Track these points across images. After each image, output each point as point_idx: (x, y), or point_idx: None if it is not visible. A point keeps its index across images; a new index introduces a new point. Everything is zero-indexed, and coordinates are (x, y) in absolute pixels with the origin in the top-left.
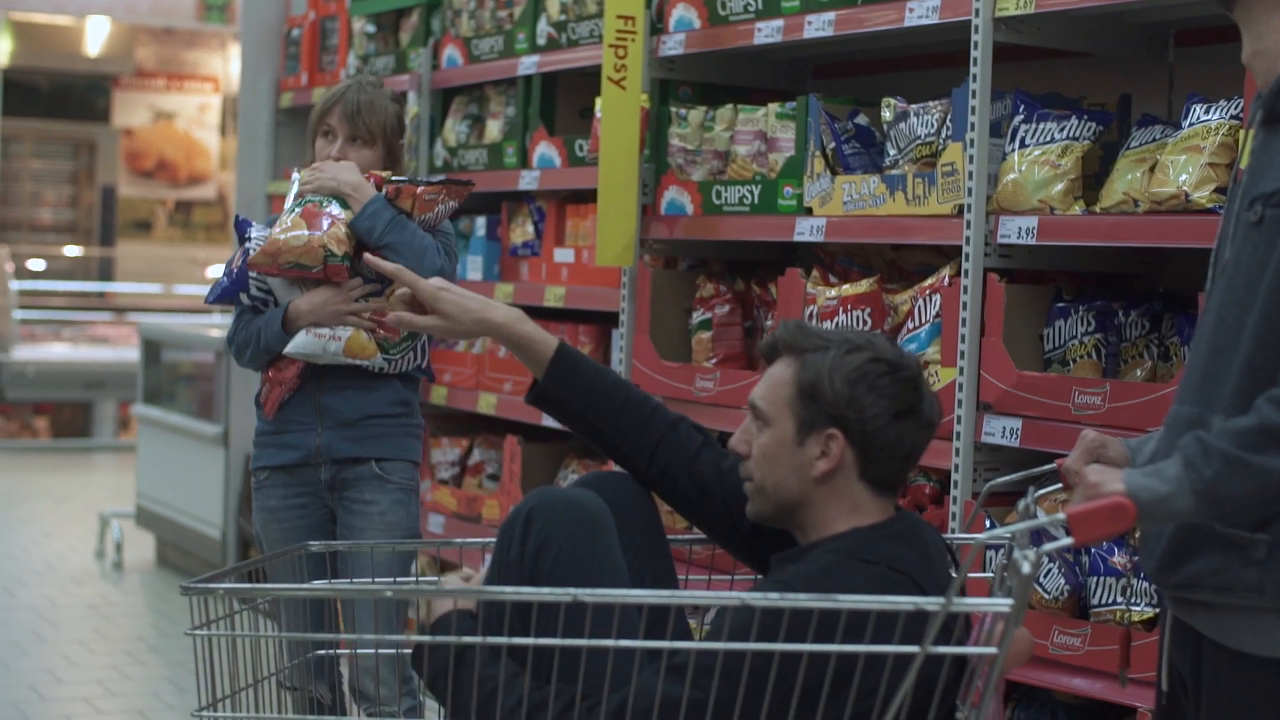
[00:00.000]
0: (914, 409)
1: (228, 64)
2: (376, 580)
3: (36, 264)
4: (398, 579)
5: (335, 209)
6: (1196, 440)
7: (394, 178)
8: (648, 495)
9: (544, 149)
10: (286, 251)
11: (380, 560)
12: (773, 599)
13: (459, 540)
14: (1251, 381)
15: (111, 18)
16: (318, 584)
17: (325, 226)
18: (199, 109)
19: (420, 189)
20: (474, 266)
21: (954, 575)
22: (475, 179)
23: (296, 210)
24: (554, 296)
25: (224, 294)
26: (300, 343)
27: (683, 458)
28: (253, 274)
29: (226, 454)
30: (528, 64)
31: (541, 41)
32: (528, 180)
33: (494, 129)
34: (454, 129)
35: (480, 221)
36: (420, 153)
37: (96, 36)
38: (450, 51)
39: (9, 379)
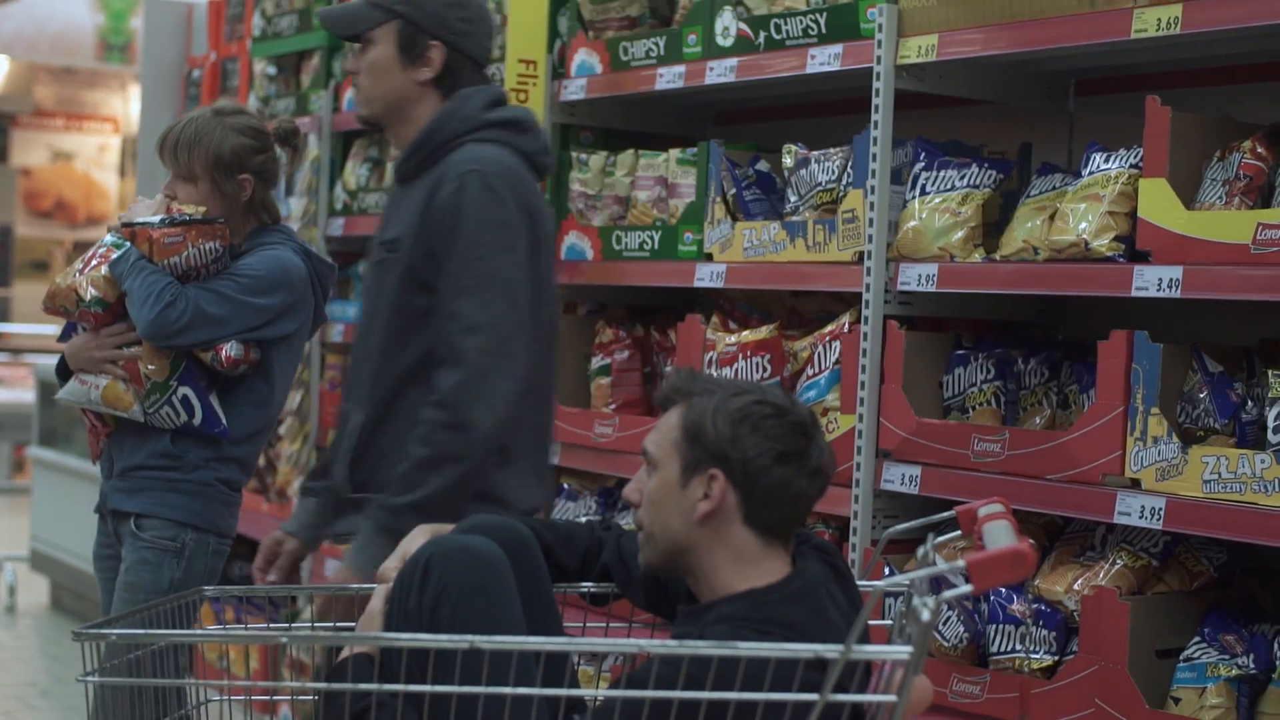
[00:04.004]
0: (800, 454)
1: (128, 104)
2: (272, 626)
3: None
4: (292, 624)
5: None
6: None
7: (137, 220)
8: (535, 542)
9: None
10: (56, 294)
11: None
12: (671, 646)
13: (355, 586)
14: (375, 385)
15: (10, 56)
16: (211, 629)
17: (81, 269)
18: (98, 149)
19: (158, 233)
20: None
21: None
22: (374, 223)
23: (98, 250)
24: None
25: (63, 333)
26: (68, 389)
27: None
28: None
29: None
30: None
31: None
32: None
33: (392, 171)
34: (354, 172)
35: None
36: (320, 195)
37: None
38: (351, 94)
39: None
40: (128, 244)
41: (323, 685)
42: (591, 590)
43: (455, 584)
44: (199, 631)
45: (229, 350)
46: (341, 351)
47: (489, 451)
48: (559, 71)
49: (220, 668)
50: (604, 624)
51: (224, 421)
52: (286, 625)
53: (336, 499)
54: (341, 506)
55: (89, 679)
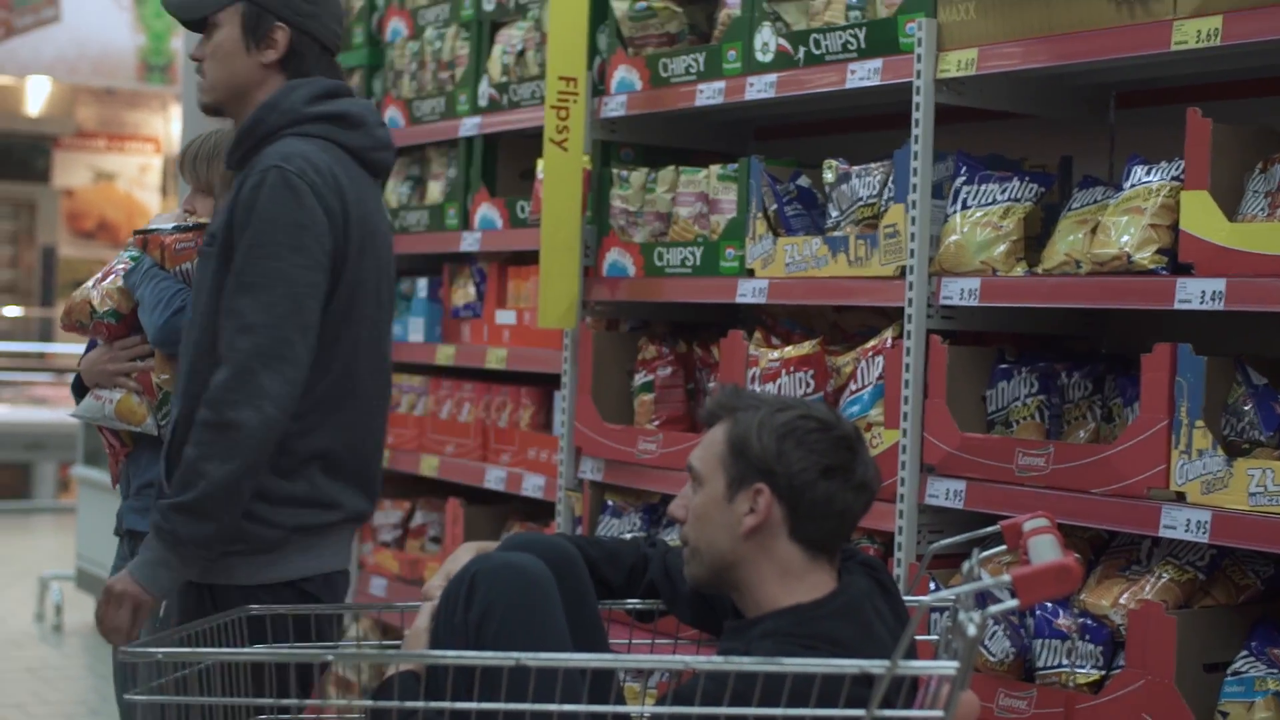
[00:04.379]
0: (845, 468)
1: (169, 124)
2: (317, 644)
3: None
4: (338, 643)
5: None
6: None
7: (152, 226)
8: (580, 559)
9: (485, 210)
10: (72, 309)
11: None
12: (717, 663)
13: (401, 604)
14: (190, 379)
15: (53, 78)
16: (258, 649)
17: (93, 282)
18: (140, 169)
19: (170, 238)
20: (415, 328)
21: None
22: (417, 241)
23: (114, 264)
24: (496, 358)
25: (87, 350)
26: (83, 406)
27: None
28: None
29: None
30: (469, 125)
31: (483, 103)
32: (469, 242)
33: (435, 190)
34: (395, 190)
35: (422, 283)
36: None
37: (37, 97)
38: (391, 112)
39: None
40: (142, 256)
41: (369, 703)
42: (637, 607)
43: (501, 601)
44: (245, 650)
45: None
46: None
47: (259, 451)
48: (599, 88)
49: None
50: (649, 640)
51: None
52: (332, 643)
53: (157, 495)
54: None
55: (136, 698)
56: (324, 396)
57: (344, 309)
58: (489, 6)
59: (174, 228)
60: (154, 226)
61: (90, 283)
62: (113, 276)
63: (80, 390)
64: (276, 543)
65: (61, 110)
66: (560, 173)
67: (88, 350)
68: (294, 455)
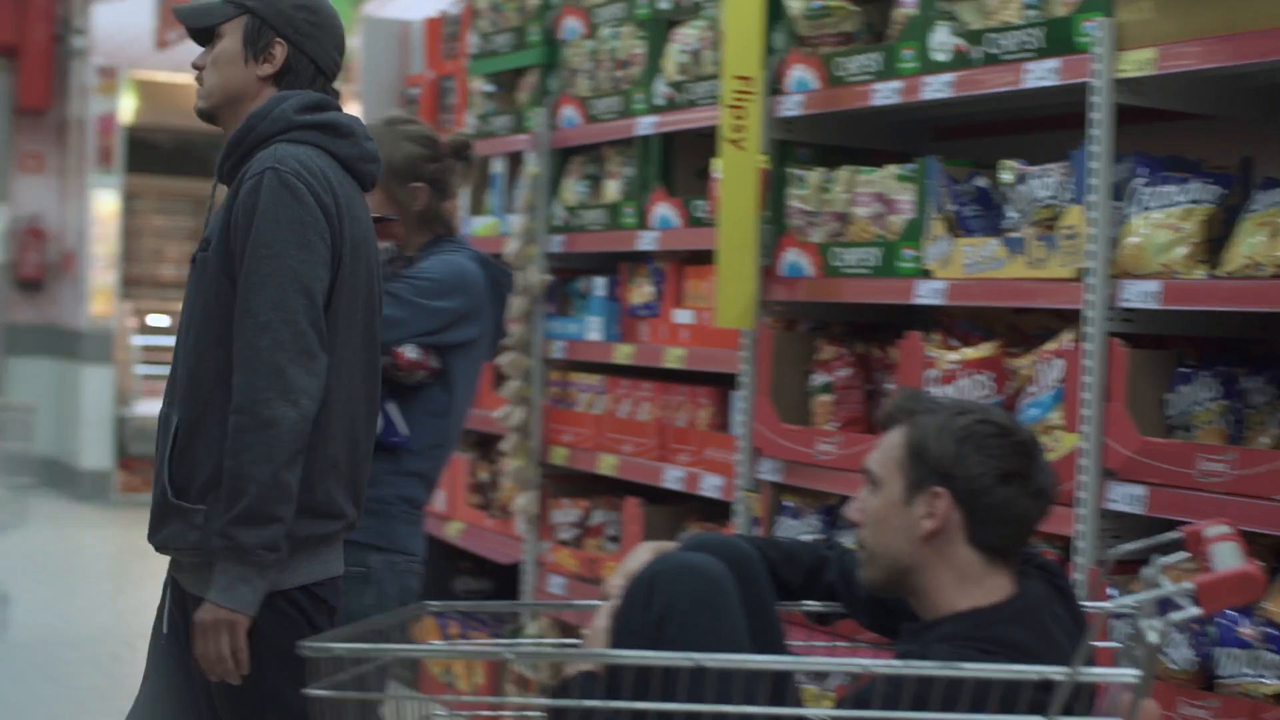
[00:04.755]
0: (1023, 474)
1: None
2: (496, 641)
3: (158, 319)
4: (516, 640)
5: None
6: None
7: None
8: (759, 560)
9: (662, 209)
10: None
11: None
12: (895, 666)
13: (579, 602)
14: (191, 385)
15: None
16: (437, 644)
17: None
18: None
19: None
20: (594, 327)
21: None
22: (594, 239)
23: None
24: (674, 358)
25: None
26: None
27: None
28: None
29: None
30: (646, 124)
31: (659, 102)
32: (646, 240)
33: (612, 189)
34: (572, 189)
35: (599, 282)
36: (539, 212)
37: None
38: (568, 111)
39: (132, 434)
40: None
41: (548, 702)
42: (815, 609)
43: (680, 601)
44: (424, 646)
45: (407, 353)
46: (564, 368)
47: (298, 446)
48: (775, 87)
49: (445, 682)
50: (827, 643)
51: (403, 431)
52: (511, 641)
53: (158, 504)
54: (165, 512)
55: (315, 692)
56: (331, 400)
57: (341, 309)
58: (664, 5)
59: None
60: None
61: None
62: None
63: None
64: (292, 547)
65: None
66: (737, 172)
67: None
68: (311, 461)
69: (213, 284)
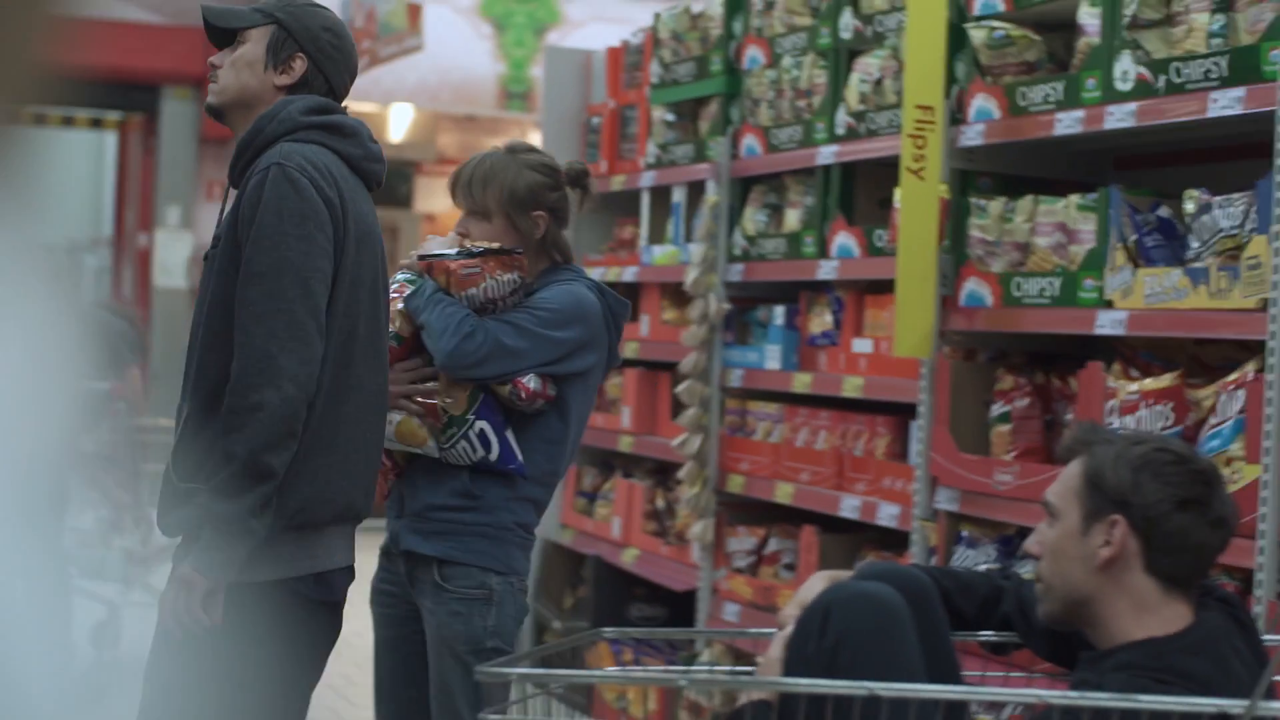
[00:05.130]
0: (1201, 502)
1: None
2: (669, 668)
3: None
4: (690, 667)
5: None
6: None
7: (435, 251)
8: (934, 589)
9: (842, 238)
10: None
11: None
12: (1071, 697)
13: (753, 630)
14: (200, 376)
15: (415, 105)
16: (610, 670)
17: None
18: None
19: (455, 264)
20: (772, 355)
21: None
22: (774, 268)
23: (390, 286)
24: (852, 387)
25: None
26: None
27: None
28: None
29: None
30: (826, 154)
31: (840, 131)
32: (826, 270)
33: (793, 218)
34: (753, 218)
35: (778, 310)
36: (719, 241)
37: (400, 124)
38: (749, 140)
39: None
40: (421, 279)
41: None
42: (991, 639)
43: (855, 630)
44: (599, 672)
45: (528, 384)
46: (742, 396)
47: (285, 429)
48: (957, 117)
49: (618, 708)
50: (1003, 673)
51: (520, 457)
52: (685, 668)
53: (166, 491)
54: (174, 496)
55: (490, 717)
56: (327, 389)
57: (343, 300)
58: (846, 35)
59: (458, 253)
60: (436, 252)
61: None
62: (397, 301)
63: None
64: (271, 539)
65: (423, 137)
66: (917, 201)
67: None
68: (309, 450)
69: (220, 278)
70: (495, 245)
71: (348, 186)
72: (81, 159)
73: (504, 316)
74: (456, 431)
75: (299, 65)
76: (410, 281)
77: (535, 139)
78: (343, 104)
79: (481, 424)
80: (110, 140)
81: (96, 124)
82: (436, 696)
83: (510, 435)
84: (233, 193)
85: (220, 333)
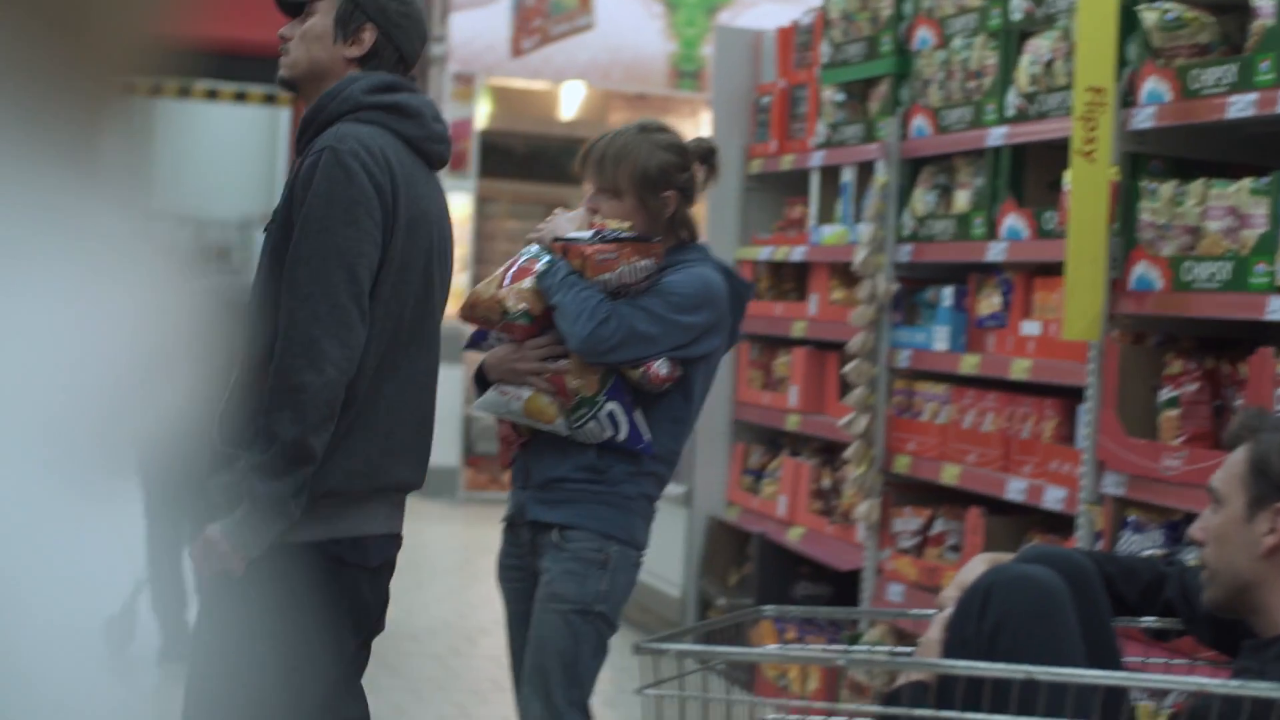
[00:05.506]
0: None
1: (699, 130)
2: (830, 647)
3: None
4: (852, 646)
5: (540, 264)
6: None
7: (571, 235)
8: (1095, 573)
9: (1012, 220)
10: (478, 304)
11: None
12: (1231, 687)
13: (913, 611)
14: (251, 348)
15: (586, 83)
16: (770, 649)
17: (509, 281)
18: None
19: (591, 249)
20: (939, 336)
21: None
22: (943, 249)
23: (518, 261)
24: (1020, 369)
25: (472, 340)
26: (486, 399)
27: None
28: None
29: (689, 514)
30: (996, 135)
31: (1010, 113)
32: (995, 251)
33: (962, 199)
34: (922, 198)
35: (947, 292)
36: (888, 221)
37: (571, 102)
38: (919, 121)
39: (478, 432)
40: (553, 258)
41: (878, 709)
42: (1153, 625)
43: (1015, 613)
44: (759, 650)
45: (659, 368)
46: (910, 377)
47: (325, 412)
48: (1128, 99)
49: (779, 686)
50: (1165, 659)
51: (647, 438)
52: (844, 647)
53: (212, 456)
54: (216, 460)
55: (646, 691)
56: (371, 369)
57: (390, 284)
58: (1017, 16)
59: (594, 236)
60: (572, 235)
61: (500, 280)
62: (527, 278)
63: (482, 383)
64: (310, 505)
65: (594, 115)
66: (1087, 184)
67: (472, 341)
68: (357, 428)
69: (273, 255)
70: (627, 228)
71: (403, 170)
72: (255, 134)
73: (637, 302)
74: (586, 412)
75: (368, 36)
76: (540, 257)
77: (705, 118)
78: (411, 72)
79: (611, 405)
80: (284, 116)
81: (270, 100)
82: (531, 651)
83: (639, 416)
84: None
85: (270, 308)
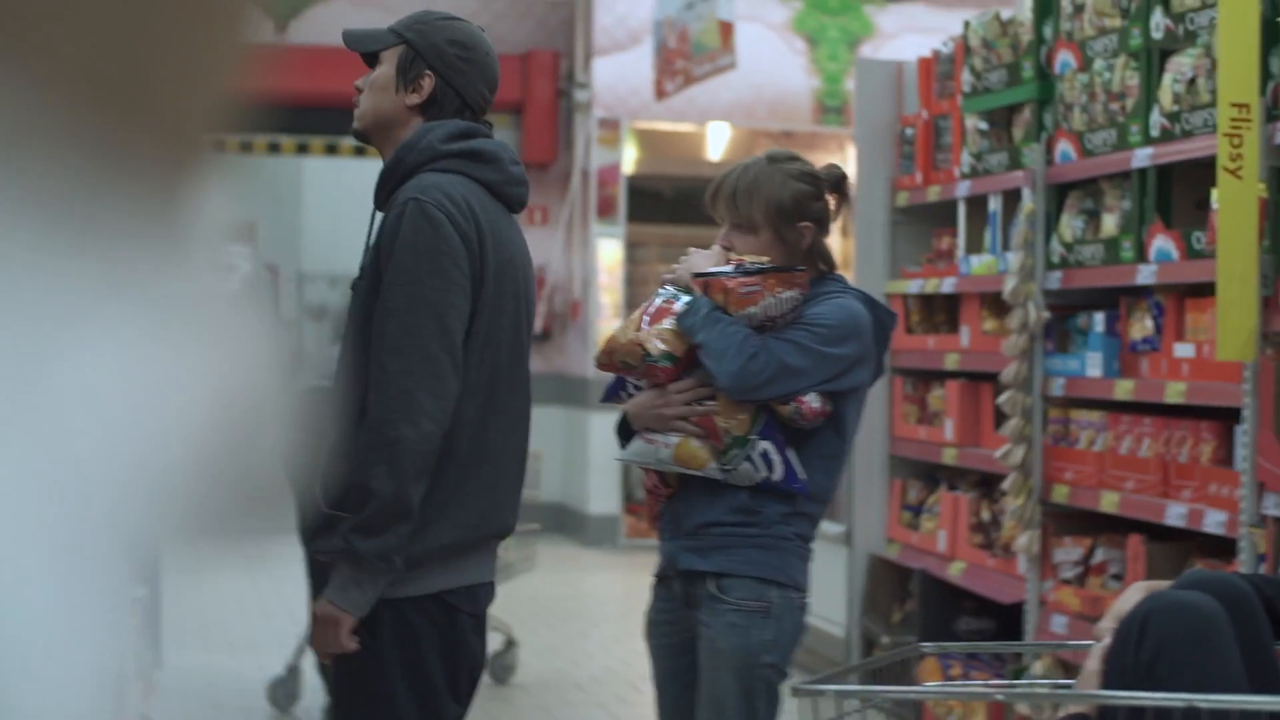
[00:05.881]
0: None
1: (845, 165)
2: (993, 682)
3: None
4: (1015, 681)
5: (679, 303)
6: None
7: (711, 270)
8: (1255, 597)
9: (1160, 242)
10: (617, 349)
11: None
12: None
13: (1072, 642)
14: (343, 403)
15: (731, 123)
16: (929, 686)
17: (647, 323)
18: None
19: (734, 282)
20: (1092, 363)
21: None
22: (1092, 274)
23: (655, 303)
24: (1174, 392)
25: (608, 392)
26: (633, 449)
27: None
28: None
29: (849, 552)
30: (1141, 156)
31: (1155, 133)
32: (1145, 274)
33: (1109, 223)
34: (1069, 224)
35: (1098, 317)
36: (1036, 248)
37: (717, 142)
38: (1063, 146)
39: (637, 479)
40: (690, 297)
41: None
42: None
43: (1173, 641)
44: (917, 689)
45: (811, 402)
46: (1064, 405)
47: (422, 465)
48: (1274, 113)
49: None
50: None
51: (802, 476)
52: (1007, 682)
53: (312, 512)
54: (321, 523)
55: None
56: (472, 418)
57: (483, 332)
58: (1158, 35)
59: (737, 270)
60: (711, 270)
61: (637, 323)
62: (667, 318)
63: (624, 433)
64: (423, 558)
65: (741, 154)
66: (1235, 202)
67: (611, 392)
68: (456, 477)
69: (364, 309)
70: (766, 260)
71: (488, 216)
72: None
73: (783, 335)
74: (739, 452)
75: (427, 83)
76: (677, 297)
77: (851, 152)
78: (485, 117)
79: (765, 444)
80: (378, 168)
81: (360, 153)
82: (707, 712)
83: (792, 454)
84: (378, 218)
85: (362, 362)
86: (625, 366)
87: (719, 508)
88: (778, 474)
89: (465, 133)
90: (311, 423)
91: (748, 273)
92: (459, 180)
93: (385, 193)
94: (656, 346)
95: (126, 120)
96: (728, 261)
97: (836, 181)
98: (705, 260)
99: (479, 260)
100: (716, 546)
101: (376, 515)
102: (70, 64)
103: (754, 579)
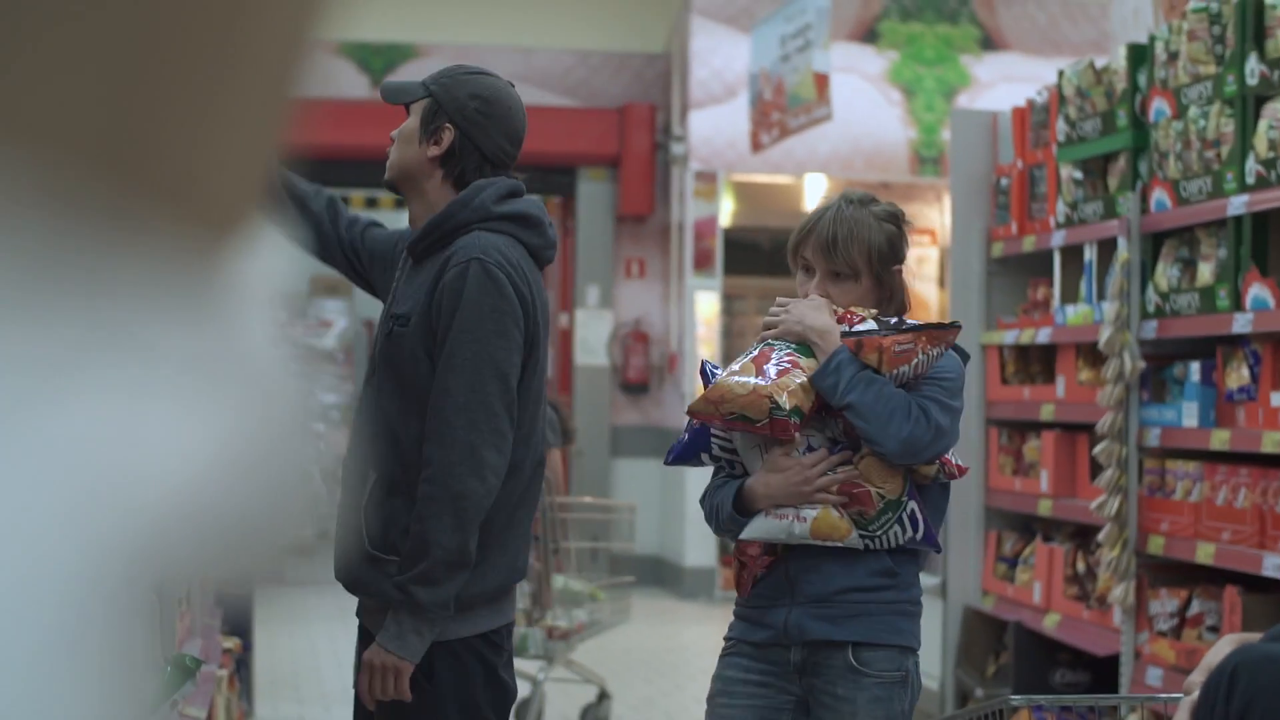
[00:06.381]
0: None
1: (943, 216)
2: None
3: None
4: None
5: (798, 356)
6: None
7: (855, 330)
8: None
9: (1256, 290)
10: (729, 400)
11: None
12: None
13: (1163, 695)
14: (391, 447)
15: (828, 175)
16: None
17: (773, 375)
18: (917, 261)
19: (888, 339)
20: (1189, 413)
21: None
22: (1188, 324)
23: (753, 352)
24: (1272, 442)
25: (681, 454)
26: (759, 527)
27: None
28: (715, 430)
29: (944, 605)
30: (1237, 204)
31: (1250, 180)
32: (1241, 323)
33: (1205, 271)
34: (1165, 273)
35: (1194, 366)
36: (1132, 298)
37: (814, 195)
38: (1158, 194)
39: None
40: (836, 351)
41: None
42: None
43: (1263, 693)
44: None
45: (954, 459)
46: (1160, 456)
47: (481, 517)
48: None
49: None
50: None
51: (936, 532)
52: None
53: (352, 549)
54: (359, 558)
55: None
56: (522, 467)
57: (533, 387)
58: (1253, 81)
59: (883, 329)
60: (862, 328)
61: (757, 375)
62: (795, 373)
63: (739, 511)
64: (475, 601)
65: None
66: None
67: (685, 456)
68: (505, 524)
69: (410, 359)
70: (904, 319)
71: (534, 277)
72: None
73: (924, 393)
74: (891, 516)
75: (447, 136)
76: (800, 352)
77: (945, 202)
78: (512, 170)
79: (912, 504)
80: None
81: (401, 204)
82: None
83: (926, 511)
84: (409, 264)
85: (413, 411)
86: (741, 420)
87: (859, 571)
88: (920, 533)
89: (512, 192)
90: (336, 470)
91: (902, 331)
92: (511, 242)
93: (427, 244)
94: (787, 401)
95: (138, 185)
96: (842, 317)
97: (902, 219)
98: (812, 313)
99: (533, 321)
100: (855, 615)
101: (438, 566)
102: (77, 127)
103: (896, 648)
